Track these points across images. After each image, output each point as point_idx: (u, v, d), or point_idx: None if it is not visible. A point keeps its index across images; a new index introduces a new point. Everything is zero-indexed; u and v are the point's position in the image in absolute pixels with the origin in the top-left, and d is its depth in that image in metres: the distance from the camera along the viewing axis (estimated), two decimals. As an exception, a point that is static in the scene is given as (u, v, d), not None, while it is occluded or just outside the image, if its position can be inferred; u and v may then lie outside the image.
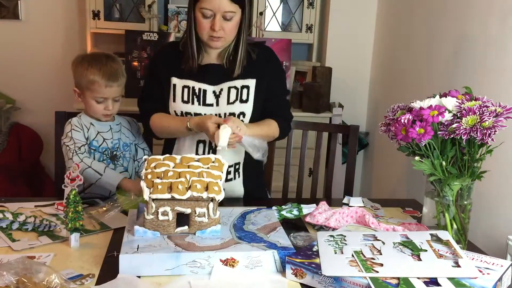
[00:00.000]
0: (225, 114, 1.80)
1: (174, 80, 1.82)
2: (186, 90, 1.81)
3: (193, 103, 1.80)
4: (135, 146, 1.99)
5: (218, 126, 1.63)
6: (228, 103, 1.80)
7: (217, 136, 1.60)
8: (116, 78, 1.85)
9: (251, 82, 1.82)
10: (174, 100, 1.81)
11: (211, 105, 1.81)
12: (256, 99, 1.83)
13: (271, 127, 1.85)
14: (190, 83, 1.81)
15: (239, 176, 1.88)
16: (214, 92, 1.81)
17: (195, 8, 1.72)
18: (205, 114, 1.78)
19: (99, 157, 1.88)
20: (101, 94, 1.84)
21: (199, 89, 1.80)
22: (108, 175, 1.79)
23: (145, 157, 1.49)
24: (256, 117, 1.84)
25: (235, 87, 1.81)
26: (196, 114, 1.79)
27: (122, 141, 1.94)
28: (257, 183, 1.97)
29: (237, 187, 1.88)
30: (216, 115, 1.78)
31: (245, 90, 1.82)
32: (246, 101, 1.82)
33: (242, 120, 1.79)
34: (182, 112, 1.81)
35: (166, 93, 1.83)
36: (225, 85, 1.81)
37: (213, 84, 1.81)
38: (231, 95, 1.80)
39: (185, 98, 1.80)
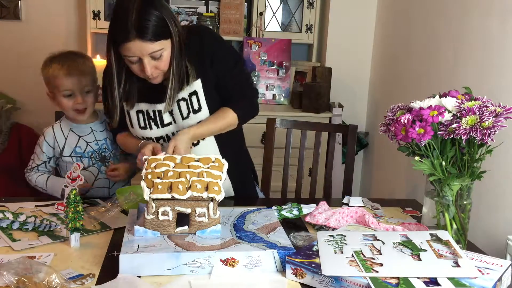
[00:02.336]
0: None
1: (125, 105, 1.72)
2: (140, 115, 1.72)
3: (151, 128, 1.72)
4: None
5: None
6: (183, 118, 1.69)
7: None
8: (77, 70, 1.79)
9: (197, 85, 1.68)
10: (132, 126, 1.74)
11: (169, 124, 1.72)
12: (209, 102, 1.70)
13: (226, 119, 1.70)
14: (143, 106, 1.71)
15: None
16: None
17: (118, 53, 1.56)
18: (166, 135, 1.72)
19: (87, 163, 1.85)
20: (64, 86, 1.78)
21: (153, 112, 1.71)
22: (50, 186, 1.84)
23: (145, 157, 1.49)
24: None
25: (183, 99, 1.68)
26: (157, 138, 1.73)
27: (109, 140, 1.89)
28: (243, 179, 1.90)
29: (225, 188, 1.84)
30: (176, 132, 1.68)
31: (194, 98, 1.68)
32: (199, 109, 1.69)
33: None
34: (143, 137, 1.73)
35: (122, 116, 1.74)
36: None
37: (164, 101, 1.66)
38: (183, 109, 1.69)
39: (142, 124, 1.72)
